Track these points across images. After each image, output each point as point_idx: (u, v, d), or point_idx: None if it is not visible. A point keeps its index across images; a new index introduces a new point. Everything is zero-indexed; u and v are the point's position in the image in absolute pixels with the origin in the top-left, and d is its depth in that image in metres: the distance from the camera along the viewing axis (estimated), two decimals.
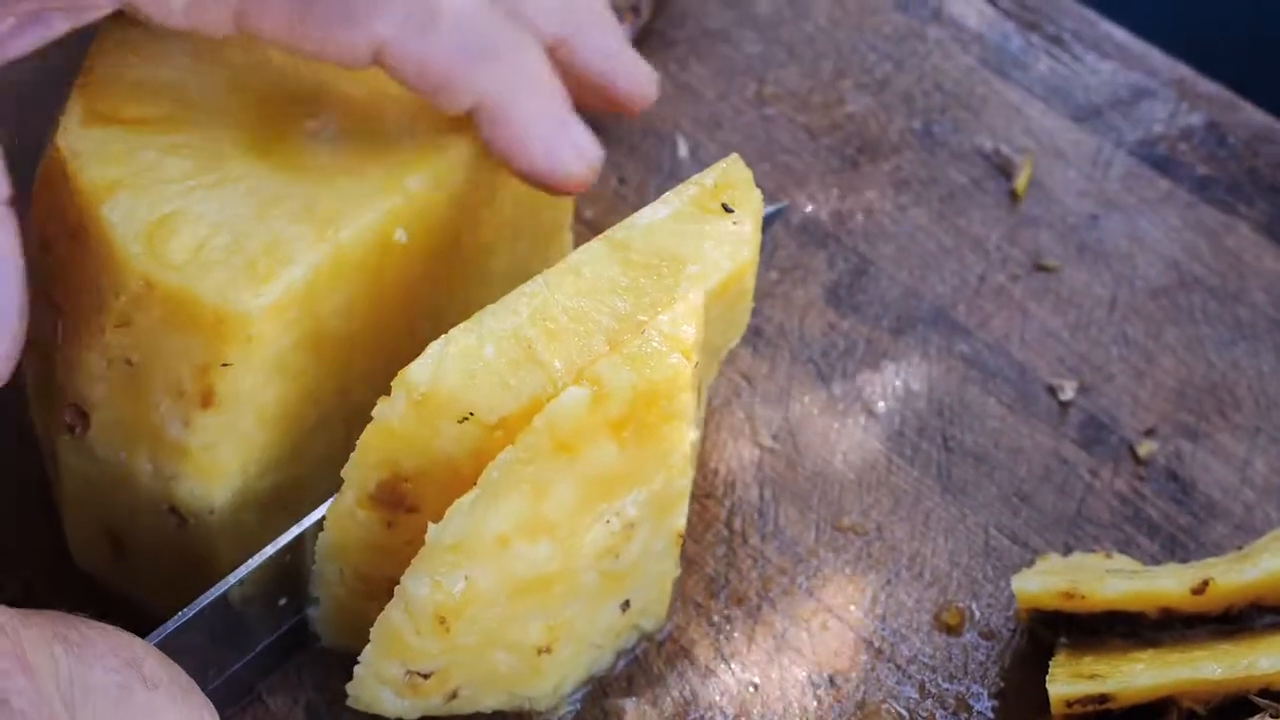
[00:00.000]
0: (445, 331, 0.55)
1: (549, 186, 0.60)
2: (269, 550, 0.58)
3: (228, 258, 0.56)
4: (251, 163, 0.58)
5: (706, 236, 0.58)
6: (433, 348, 0.55)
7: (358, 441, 0.56)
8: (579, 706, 0.63)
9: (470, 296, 0.63)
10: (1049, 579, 0.62)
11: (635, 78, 0.63)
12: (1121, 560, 0.64)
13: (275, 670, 0.63)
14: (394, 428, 0.55)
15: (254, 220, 0.57)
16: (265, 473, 0.60)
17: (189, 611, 0.57)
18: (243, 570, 0.58)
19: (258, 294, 0.55)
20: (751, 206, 0.59)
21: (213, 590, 0.58)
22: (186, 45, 0.60)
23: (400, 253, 0.59)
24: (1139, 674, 0.59)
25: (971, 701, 0.63)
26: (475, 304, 0.57)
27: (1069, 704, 0.59)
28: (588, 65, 0.61)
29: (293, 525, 0.60)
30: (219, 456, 0.58)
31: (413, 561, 0.56)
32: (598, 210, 0.76)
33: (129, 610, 0.59)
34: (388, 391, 0.55)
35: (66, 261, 0.58)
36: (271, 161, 0.58)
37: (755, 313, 0.68)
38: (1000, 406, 0.70)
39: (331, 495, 0.58)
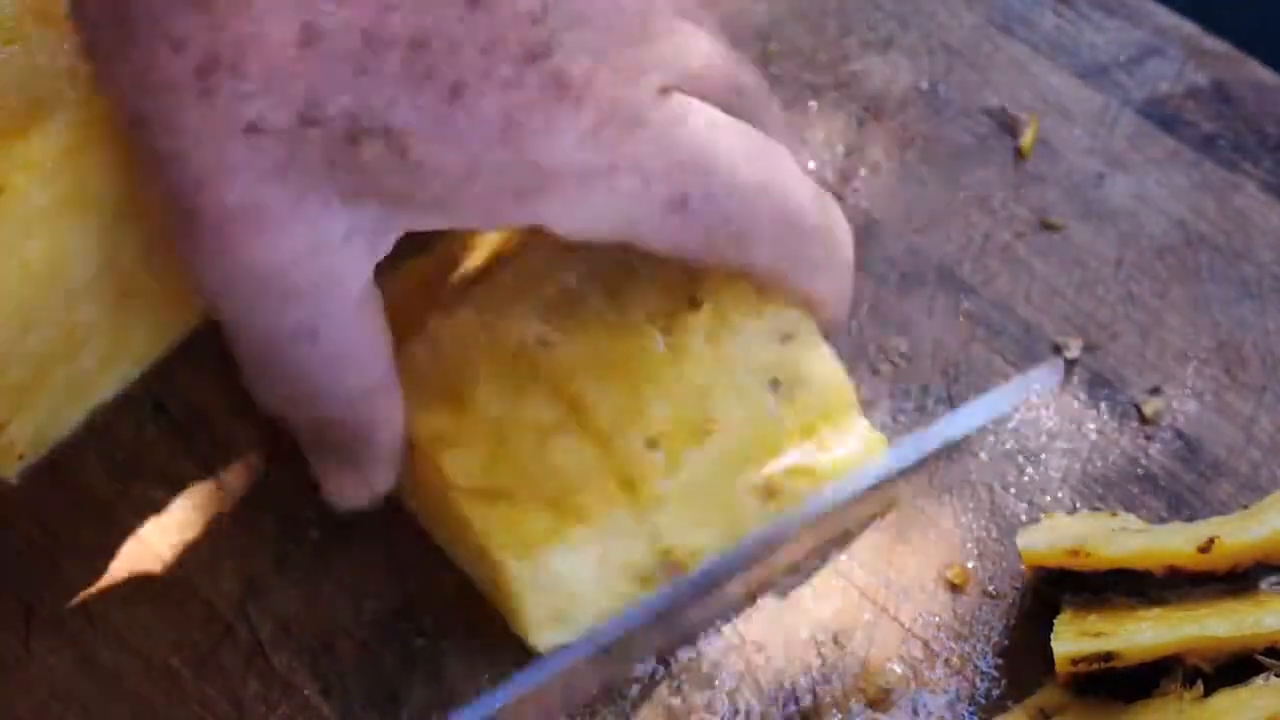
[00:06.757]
0: None
1: None
2: None
3: None
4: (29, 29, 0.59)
5: None
6: None
7: None
8: None
9: None
10: (1055, 537, 0.62)
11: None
12: (1127, 519, 0.64)
13: None
14: None
15: (20, 73, 0.58)
16: (31, 326, 0.61)
17: None
18: None
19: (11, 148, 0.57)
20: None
21: None
22: None
23: None
24: (1144, 632, 0.59)
25: (976, 660, 0.63)
26: None
27: (1074, 662, 0.59)
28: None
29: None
30: None
31: None
32: None
33: None
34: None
35: None
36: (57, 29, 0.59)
37: None
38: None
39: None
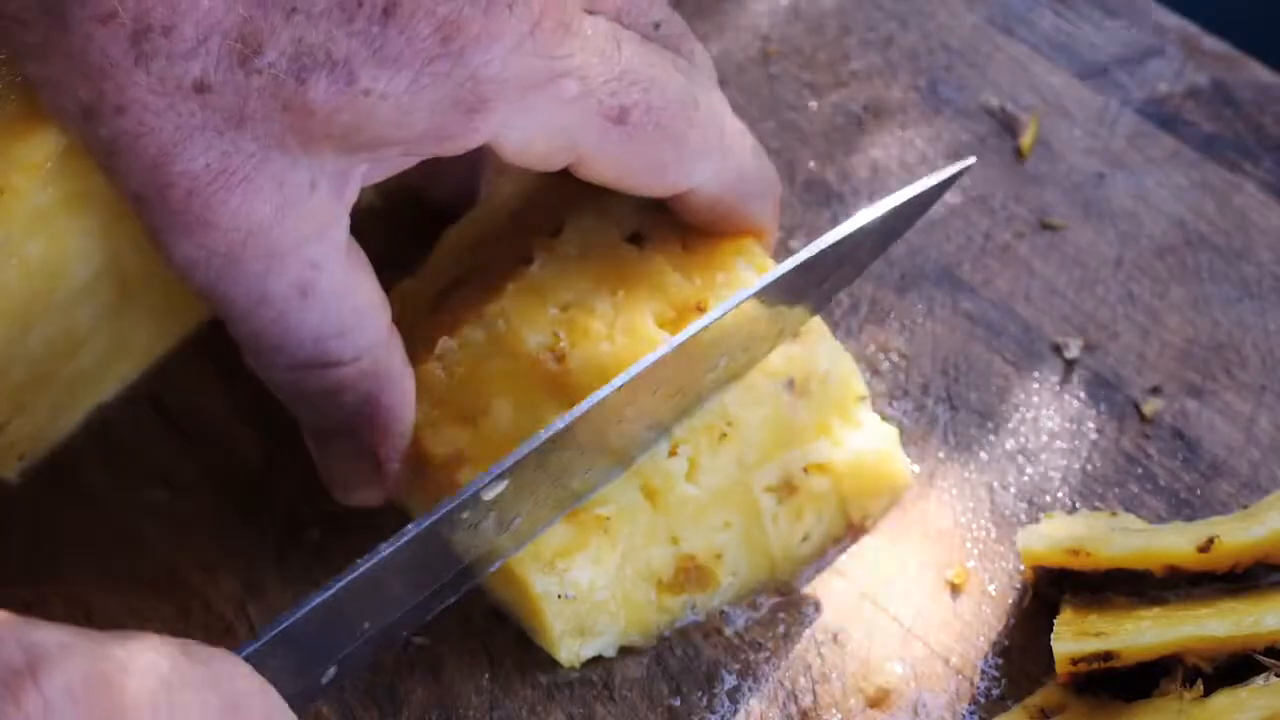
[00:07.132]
0: None
1: None
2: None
3: None
4: None
5: None
6: None
7: None
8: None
9: None
10: (1055, 537, 0.62)
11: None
12: (1127, 519, 0.64)
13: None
14: None
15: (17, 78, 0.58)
16: (31, 325, 0.61)
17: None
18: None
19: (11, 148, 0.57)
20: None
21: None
22: None
23: None
24: (1144, 632, 0.59)
25: (976, 660, 0.63)
26: None
27: (1074, 662, 0.59)
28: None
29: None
30: None
31: None
32: None
33: None
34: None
35: None
36: None
37: None
38: (1005, 364, 0.70)
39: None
